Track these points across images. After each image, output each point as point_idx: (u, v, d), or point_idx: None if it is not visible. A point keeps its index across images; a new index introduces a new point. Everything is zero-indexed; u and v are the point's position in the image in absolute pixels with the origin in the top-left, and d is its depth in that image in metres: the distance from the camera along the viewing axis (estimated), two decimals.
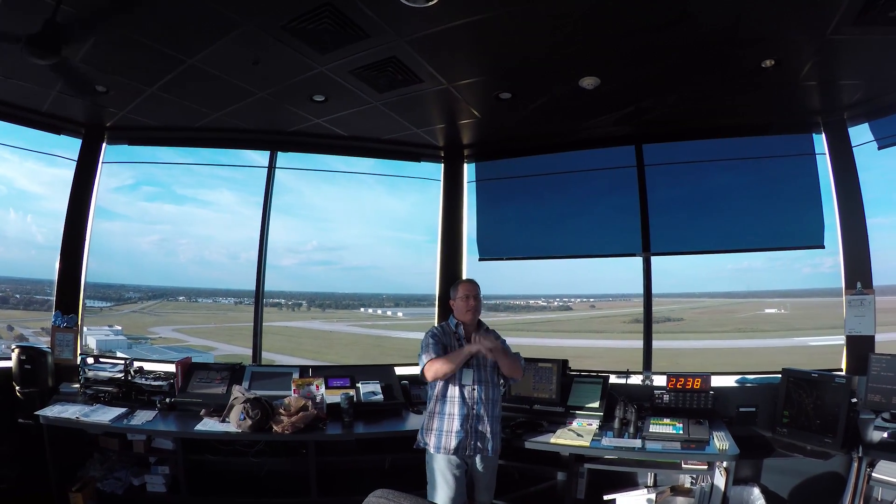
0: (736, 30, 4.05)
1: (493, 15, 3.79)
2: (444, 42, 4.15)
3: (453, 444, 4.05)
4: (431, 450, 4.12)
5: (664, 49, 4.34)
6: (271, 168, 6.44)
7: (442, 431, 4.09)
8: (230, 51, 4.30)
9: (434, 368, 4.12)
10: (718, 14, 3.86)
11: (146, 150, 6.57)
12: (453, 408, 4.11)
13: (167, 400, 5.16)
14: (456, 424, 4.08)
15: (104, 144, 6.18)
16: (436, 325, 4.46)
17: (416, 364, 4.31)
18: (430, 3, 3.56)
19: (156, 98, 5.23)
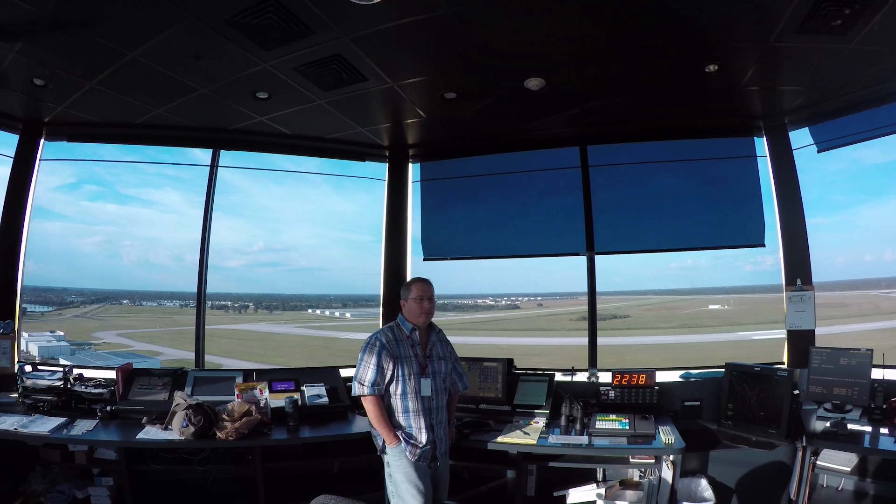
0: (681, 34, 4.14)
1: (439, 14, 3.78)
2: (390, 40, 4.14)
3: (422, 456, 3.89)
4: (399, 458, 3.88)
5: (609, 51, 4.41)
6: (213, 167, 6.34)
7: (408, 442, 3.90)
8: (172, 45, 4.19)
9: (369, 412, 3.96)
10: (663, 18, 3.92)
11: (87, 148, 6.33)
12: (418, 420, 3.93)
13: (108, 408, 4.99)
14: (423, 437, 3.91)
15: (42, 140, 6.00)
16: (384, 327, 4.17)
17: None
18: (376, 1, 3.53)
19: (96, 93, 5.08)
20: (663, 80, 4.97)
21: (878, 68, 4.68)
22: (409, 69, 4.70)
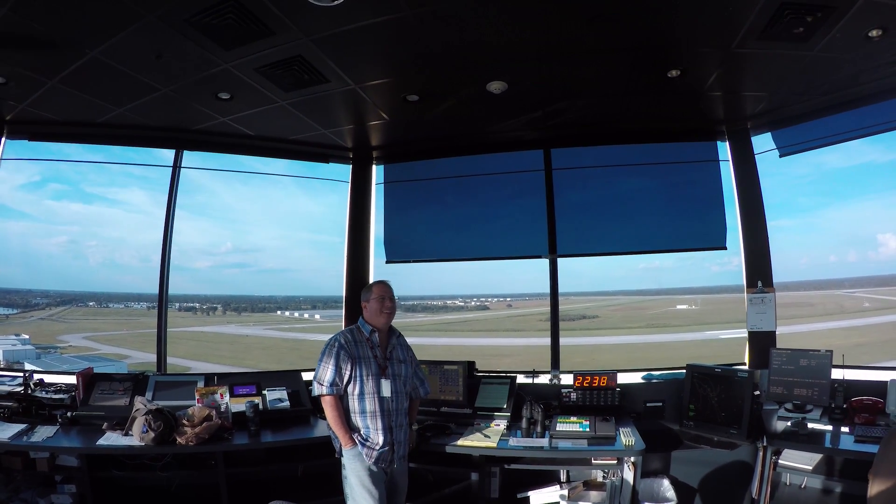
0: (642, 39, 4.19)
1: (400, 16, 3.79)
2: (351, 42, 4.14)
3: (379, 459, 3.91)
4: (354, 461, 3.91)
5: (570, 54, 4.44)
6: (176, 167, 6.28)
7: (365, 444, 3.92)
8: (132, 43, 4.16)
9: (328, 413, 3.99)
10: (624, 23, 3.96)
11: (50, 146, 6.24)
12: (376, 421, 3.95)
13: (69, 414, 4.93)
14: (380, 439, 3.92)
15: (3, 139, 5.93)
16: (345, 329, 4.21)
17: None
18: (336, 3, 3.54)
19: (57, 91, 5.02)
20: (624, 85, 5.01)
21: (839, 76, 4.80)
22: (370, 71, 4.71)
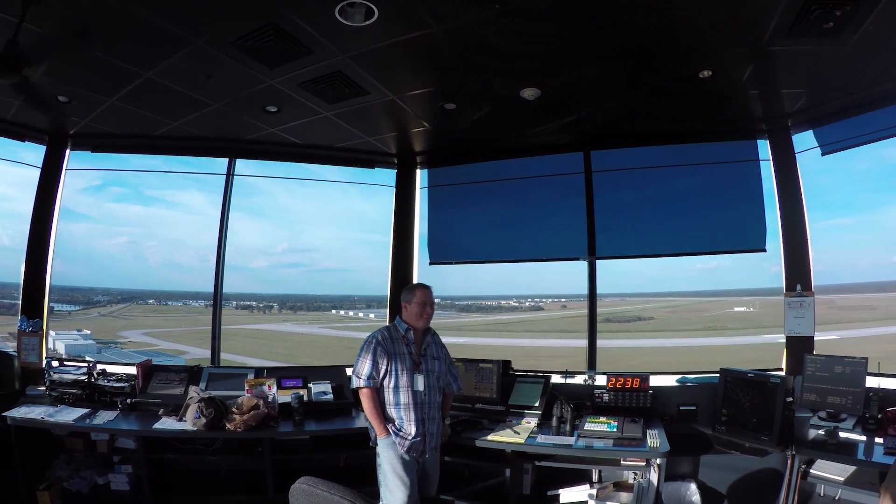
0: (670, 40, 4.18)
1: (428, 32, 3.94)
2: (386, 57, 4.31)
3: (411, 448, 4.13)
4: (388, 450, 4.13)
5: (598, 57, 4.44)
6: (229, 175, 6.58)
7: (398, 434, 4.14)
8: (183, 65, 4.45)
9: (365, 405, 4.23)
10: (650, 23, 3.95)
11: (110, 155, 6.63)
12: (409, 413, 4.17)
13: (128, 401, 5.28)
14: (413, 430, 4.14)
15: (68, 151, 6.29)
16: (382, 327, 4.45)
17: None
18: (368, 23, 3.72)
19: (116, 108, 5.36)
20: (655, 85, 4.98)
21: (877, 69, 4.62)
22: (407, 83, 4.86)
